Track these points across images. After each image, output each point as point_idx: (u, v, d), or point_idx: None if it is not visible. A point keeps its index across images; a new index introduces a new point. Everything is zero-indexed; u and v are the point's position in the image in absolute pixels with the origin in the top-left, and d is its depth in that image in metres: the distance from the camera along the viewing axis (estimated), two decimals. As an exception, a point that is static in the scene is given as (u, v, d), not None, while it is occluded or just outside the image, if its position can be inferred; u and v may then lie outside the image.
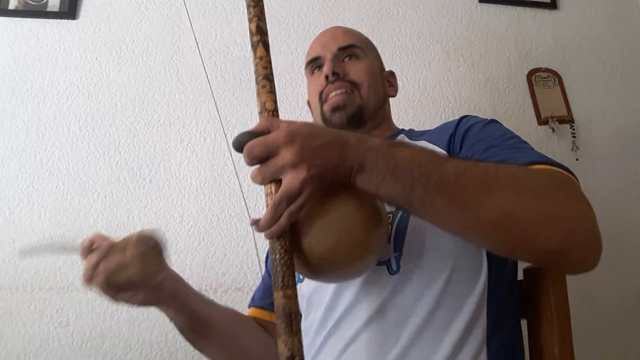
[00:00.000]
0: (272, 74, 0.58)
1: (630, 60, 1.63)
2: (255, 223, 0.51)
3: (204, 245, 1.23)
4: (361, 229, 0.53)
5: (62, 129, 1.30)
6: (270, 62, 0.59)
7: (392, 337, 0.62)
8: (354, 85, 0.84)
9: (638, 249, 1.40)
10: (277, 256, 0.50)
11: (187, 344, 1.13)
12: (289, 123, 0.50)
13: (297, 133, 0.49)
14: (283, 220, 0.49)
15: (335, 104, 0.84)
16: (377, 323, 0.63)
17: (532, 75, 1.54)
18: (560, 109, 1.51)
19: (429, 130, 0.83)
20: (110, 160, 1.28)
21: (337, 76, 0.84)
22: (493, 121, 0.74)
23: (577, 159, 1.45)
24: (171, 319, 0.74)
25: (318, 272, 0.55)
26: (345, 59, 0.87)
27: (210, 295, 1.17)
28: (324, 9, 1.50)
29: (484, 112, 1.47)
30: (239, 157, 1.46)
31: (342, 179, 0.51)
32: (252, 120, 1.31)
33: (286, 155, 0.48)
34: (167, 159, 1.30)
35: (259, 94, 0.57)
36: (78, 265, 1.19)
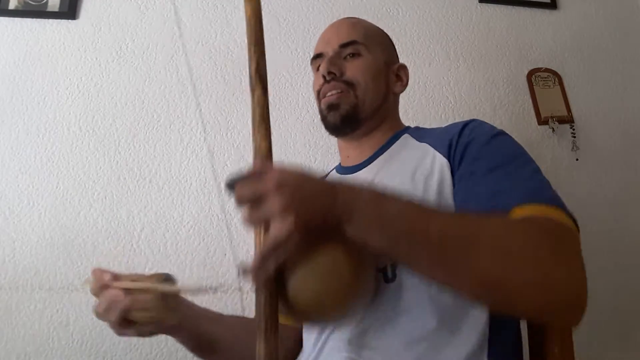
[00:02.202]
0: (268, 115, 0.59)
1: (630, 60, 1.63)
2: (243, 269, 0.51)
3: (204, 245, 1.23)
4: (347, 276, 0.53)
5: (62, 129, 1.29)
6: (267, 104, 0.60)
7: (388, 345, 0.62)
8: (350, 85, 0.83)
9: (638, 249, 1.40)
10: (263, 300, 0.51)
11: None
12: (280, 169, 0.51)
13: (287, 181, 0.50)
14: (269, 266, 0.50)
15: (329, 102, 0.84)
16: (374, 331, 0.63)
17: (532, 75, 1.54)
18: (560, 109, 1.51)
19: (435, 130, 0.82)
20: (110, 160, 1.28)
21: (333, 76, 0.84)
22: (498, 135, 0.71)
23: (577, 159, 1.46)
24: (180, 342, 0.77)
25: (304, 317, 0.56)
26: (348, 57, 0.85)
27: (210, 295, 1.16)
28: (324, 9, 1.50)
29: (484, 112, 1.47)
30: (239, 157, 1.45)
31: (330, 227, 0.51)
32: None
33: (275, 203, 0.48)
34: (167, 159, 1.30)
35: (254, 134, 0.58)
36: (78, 265, 1.20)
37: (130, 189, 1.26)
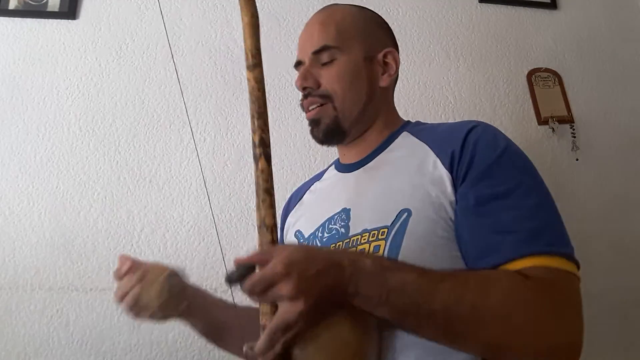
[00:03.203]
0: (272, 188, 0.59)
1: (630, 60, 1.63)
2: (250, 349, 0.53)
3: (204, 245, 1.23)
4: (354, 348, 0.54)
5: (62, 129, 1.30)
6: (271, 175, 0.60)
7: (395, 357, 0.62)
8: (327, 97, 0.80)
9: (638, 249, 1.40)
10: None
11: (187, 344, 1.14)
12: (283, 252, 0.53)
13: (294, 263, 0.51)
14: (278, 347, 0.52)
15: (310, 118, 0.83)
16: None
17: (532, 75, 1.54)
18: (560, 109, 1.51)
19: (436, 129, 0.79)
20: (110, 160, 1.28)
21: (309, 90, 0.81)
22: (503, 153, 0.67)
23: (577, 159, 1.45)
24: (190, 326, 0.80)
25: None
26: (323, 64, 0.81)
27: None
28: (324, 9, 1.50)
29: (484, 112, 1.47)
30: (238, 157, 1.45)
31: (337, 301, 0.53)
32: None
33: (284, 288, 0.50)
34: (167, 159, 1.30)
35: (258, 208, 0.58)
36: (78, 265, 1.20)
37: (130, 189, 1.26)
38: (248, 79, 0.63)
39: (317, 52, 0.81)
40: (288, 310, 0.51)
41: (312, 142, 1.26)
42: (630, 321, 1.34)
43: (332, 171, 0.91)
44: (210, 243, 1.23)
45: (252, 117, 0.62)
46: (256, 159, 0.60)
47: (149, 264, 0.72)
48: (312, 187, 0.94)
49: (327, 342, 0.53)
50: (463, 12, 1.58)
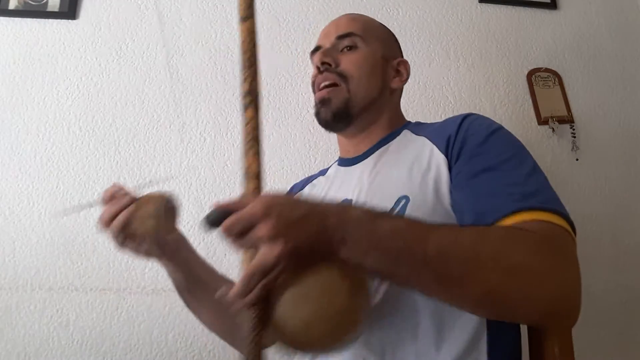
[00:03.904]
0: (260, 136, 0.58)
1: (630, 60, 1.63)
2: (225, 294, 0.50)
3: (204, 245, 1.23)
4: (341, 300, 0.50)
5: (62, 129, 1.30)
6: (259, 124, 0.59)
7: (386, 345, 0.62)
8: (343, 77, 0.82)
9: (638, 249, 1.40)
10: (250, 326, 0.49)
11: (187, 344, 1.14)
12: (267, 196, 0.51)
13: (273, 205, 0.48)
14: (257, 291, 0.49)
15: (321, 97, 0.83)
16: (371, 332, 0.62)
17: (532, 75, 1.54)
18: (560, 109, 1.51)
19: (434, 124, 0.82)
20: (110, 160, 1.28)
21: (327, 66, 0.83)
22: (495, 131, 0.69)
23: (577, 159, 1.45)
24: (169, 275, 0.77)
25: (294, 345, 0.52)
26: (345, 50, 0.85)
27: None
28: (324, 9, 1.50)
29: (484, 112, 1.45)
30: (239, 157, 1.45)
31: (322, 251, 0.50)
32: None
33: (262, 229, 0.47)
34: (167, 159, 1.30)
35: (245, 155, 0.57)
36: (78, 265, 1.20)
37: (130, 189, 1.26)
38: (240, 31, 0.62)
39: (341, 37, 0.85)
40: (266, 252, 0.48)
41: (312, 142, 1.27)
42: (630, 321, 1.34)
43: (335, 167, 0.93)
44: (210, 243, 1.23)
45: (243, 67, 0.60)
46: (244, 108, 0.59)
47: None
48: (314, 180, 0.95)
49: (312, 288, 0.49)
50: (463, 12, 1.58)
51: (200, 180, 1.29)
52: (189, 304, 0.81)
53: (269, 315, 0.50)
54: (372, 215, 0.53)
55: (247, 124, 0.58)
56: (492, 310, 0.55)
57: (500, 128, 0.71)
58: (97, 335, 1.13)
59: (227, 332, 0.85)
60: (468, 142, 0.68)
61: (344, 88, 0.82)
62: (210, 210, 0.50)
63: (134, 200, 0.66)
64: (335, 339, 0.51)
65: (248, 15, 0.62)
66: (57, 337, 1.13)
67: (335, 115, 0.82)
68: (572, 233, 0.58)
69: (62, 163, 1.26)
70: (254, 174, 0.56)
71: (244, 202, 0.50)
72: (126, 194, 0.67)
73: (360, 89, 0.82)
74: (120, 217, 0.64)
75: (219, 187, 1.29)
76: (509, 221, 0.57)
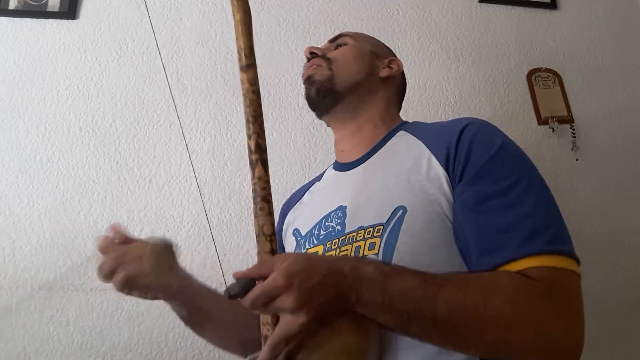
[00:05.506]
0: (270, 195, 0.58)
1: (630, 60, 1.64)
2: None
3: (204, 245, 1.23)
4: (356, 355, 0.55)
5: (62, 129, 1.29)
6: (268, 182, 0.58)
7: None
8: (327, 60, 0.86)
9: (638, 249, 1.40)
10: None
11: (187, 344, 1.14)
12: (283, 263, 0.52)
13: (294, 274, 0.50)
14: (281, 358, 0.52)
15: (306, 75, 0.87)
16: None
17: (532, 75, 1.54)
18: (560, 109, 1.51)
19: (432, 126, 0.81)
20: (110, 160, 1.28)
21: (315, 55, 0.88)
22: (500, 149, 0.66)
23: (577, 159, 1.46)
24: (172, 309, 0.78)
25: None
26: (335, 48, 0.90)
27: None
28: (324, 8, 1.50)
29: (484, 112, 1.47)
30: (238, 157, 1.45)
31: (339, 309, 0.53)
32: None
33: (286, 301, 0.50)
34: (167, 159, 1.30)
35: (256, 216, 0.57)
36: (78, 265, 1.19)
37: (130, 189, 1.26)
38: (242, 81, 0.59)
39: (333, 40, 0.91)
40: (290, 322, 0.51)
41: (312, 142, 1.27)
42: (630, 321, 1.34)
43: (331, 171, 0.92)
44: (210, 243, 1.23)
45: (247, 121, 0.59)
46: (252, 166, 0.58)
47: (136, 239, 0.69)
48: (311, 187, 0.95)
49: (330, 350, 0.53)
50: (463, 12, 1.58)
51: (200, 180, 1.29)
52: (194, 331, 0.83)
53: None
54: (384, 274, 0.55)
55: (255, 183, 0.57)
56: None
57: (504, 144, 0.67)
58: (97, 335, 1.13)
59: (236, 351, 0.85)
60: (471, 161, 0.66)
61: (326, 67, 0.85)
62: (232, 283, 0.52)
63: (128, 251, 0.66)
64: None
65: (250, 63, 0.59)
66: (57, 337, 1.12)
67: (319, 91, 0.84)
68: (577, 269, 0.59)
69: (62, 163, 1.26)
70: (268, 235, 0.56)
71: (265, 272, 0.52)
72: (121, 241, 0.68)
73: (343, 69, 0.85)
74: (120, 274, 0.65)
75: (219, 187, 1.29)
76: (514, 266, 0.58)
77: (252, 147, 0.58)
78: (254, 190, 0.58)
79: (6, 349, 1.10)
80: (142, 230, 1.22)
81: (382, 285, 0.53)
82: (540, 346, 0.54)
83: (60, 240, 1.19)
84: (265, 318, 0.54)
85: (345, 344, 0.54)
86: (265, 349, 0.52)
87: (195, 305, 0.77)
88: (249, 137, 0.59)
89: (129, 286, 0.66)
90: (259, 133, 0.58)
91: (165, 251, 0.69)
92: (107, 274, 0.66)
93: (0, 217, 1.20)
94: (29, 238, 1.19)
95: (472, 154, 0.66)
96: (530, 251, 0.58)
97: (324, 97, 0.84)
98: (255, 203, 0.57)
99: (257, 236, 0.56)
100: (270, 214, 0.57)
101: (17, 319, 1.13)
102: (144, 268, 0.65)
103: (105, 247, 0.68)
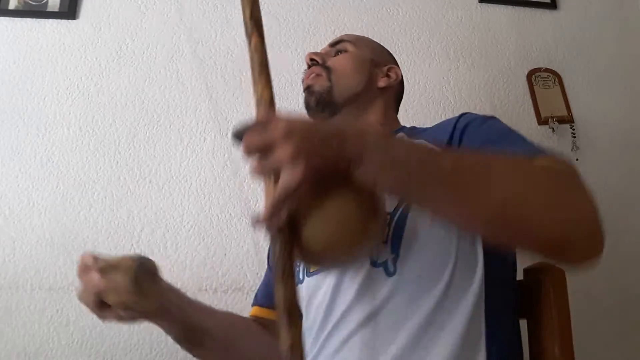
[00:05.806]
0: (267, 62, 0.57)
1: (630, 60, 1.63)
2: (257, 219, 0.51)
3: (204, 245, 1.23)
4: (357, 219, 0.54)
5: (62, 129, 1.30)
6: (265, 51, 0.58)
7: (386, 339, 0.62)
8: (327, 69, 0.87)
9: (638, 249, 1.40)
10: (278, 248, 0.52)
11: (187, 344, 1.12)
12: (287, 117, 0.50)
13: (295, 127, 0.48)
14: (283, 213, 0.51)
15: (305, 85, 0.88)
16: (371, 325, 0.63)
17: (532, 75, 1.54)
18: (560, 109, 1.51)
19: (430, 128, 0.83)
20: (110, 160, 1.28)
21: (315, 62, 0.88)
22: (492, 117, 0.75)
23: (577, 159, 1.45)
24: (164, 331, 0.74)
25: (318, 260, 0.59)
26: (337, 54, 0.91)
27: (210, 295, 1.17)
28: (323, 8, 1.50)
29: (484, 112, 1.45)
30: (239, 157, 1.45)
31: (340, 171, 0.50)
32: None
33: (284, 151, 0.47)
34: (167, 159, 1.30)
35: (255, 83, 0.56)
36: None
37: (130, 189, 1.26)
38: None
39: (333, 44, 0.92)
40: (290, 174, 0.48)
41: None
42: (630, 321, 1.34)
43: None
44: (210, 243, 1.23)
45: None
46: (249, 34, 0.57)
47: (112, 258, 0.65)
48: None
49: (332, 212, 0.53)
50: (463, 12, 1.58)
51: (200, 180, 1.29)
52: (190, 351, 0.78)
53: (295, 235, 0.53)
54: (388, 136, 0.55)
55: (253, 51, 0.56)
56: (509, 230, 0.53)
57: (494, 117, 0.76)
58: (97, 335, 1.13)
59: None
60: (468, 129, 0.71)
61: (325, 77, 0.86)
62: (238, 125, 0.51)
63: (106, 267, 0.63)
64: (353, 253, 0.58)
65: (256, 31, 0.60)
66: (57, 337, 1.12)
67: (319, 102, 0.85)
68: None
69: (62, 163, 1.26)
70: (268, 101, 0.55)
71: (268, 120, 0.49)
72: (96, 264, 0.64)
73: (342, 80, 0.86)
74: (91, 296, 0.63)
75: (219, 187, 1.29)
76: None
77: (248, 16, 0.59)
78: (251, 59, 0.57)
79: (6, 349, 1.10)
80: (142, 230, 1.23)
81: (385, 144, 0.51)
82: (556, 211, 0.51)
83: (60, 240, 1.20)
84: (269, 188, 0.52)
85: (346, 206, 0.54)
86: (267, 206, 0.51)
87: (186, 323, 0.73)
88: (244, 7, 0.59)
89: (104, 305, 0.63)
90: (254, 2, 0.60)
91: (143, 268, 0.64)
92: (84, 296, 0.64)
93: (0, 217, 1.20)
94: (29, 238, 1.19)
95: (469, 124, 0.72)
96: (539, 152, 0.61)
97: (323, 108, 0.85)
98: (253, 71, 0.56)
99: (257, 102, 0.55)
100: (269, 80, 0.56)
101: (17, 319, 1.13)
102: (120, 283, 0.61)
103: (82, 270, 0.65)
